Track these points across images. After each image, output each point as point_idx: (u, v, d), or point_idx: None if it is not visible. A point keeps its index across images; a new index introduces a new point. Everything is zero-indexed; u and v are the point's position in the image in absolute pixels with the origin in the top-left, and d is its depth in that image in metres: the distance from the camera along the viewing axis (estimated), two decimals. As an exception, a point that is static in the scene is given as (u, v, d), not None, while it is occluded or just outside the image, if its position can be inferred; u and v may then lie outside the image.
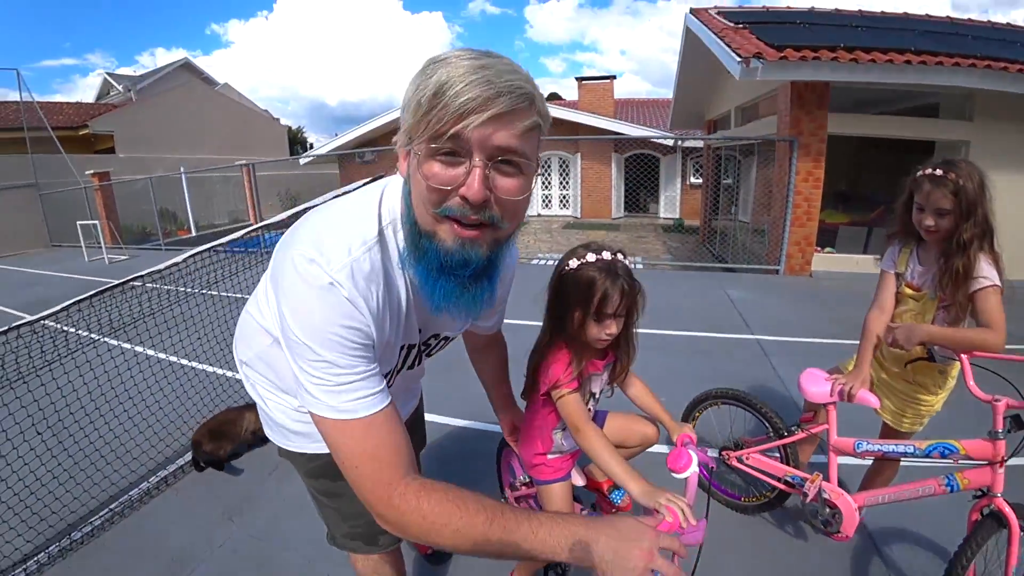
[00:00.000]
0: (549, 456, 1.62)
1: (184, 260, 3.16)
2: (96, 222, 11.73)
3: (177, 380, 3.65)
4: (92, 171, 13.55)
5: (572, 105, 16.38)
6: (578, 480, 1.71)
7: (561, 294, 1.41)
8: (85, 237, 11.35)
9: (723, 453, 2.28)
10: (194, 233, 14.83)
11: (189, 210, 15.20)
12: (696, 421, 2.37)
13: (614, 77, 15.67)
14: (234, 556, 2.32)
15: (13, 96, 15.15)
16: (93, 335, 3.91)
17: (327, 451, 0.97)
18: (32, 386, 2.84)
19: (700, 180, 13.27)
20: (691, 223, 13.36)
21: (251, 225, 3.48)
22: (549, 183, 15.75)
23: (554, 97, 32.03)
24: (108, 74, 23.44)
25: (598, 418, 1.73)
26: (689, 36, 9.06)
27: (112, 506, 2.71)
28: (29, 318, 2.61)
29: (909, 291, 1.87)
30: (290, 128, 34.11)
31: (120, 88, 21.75)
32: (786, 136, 6.99)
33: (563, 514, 0.86)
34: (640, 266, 7.44)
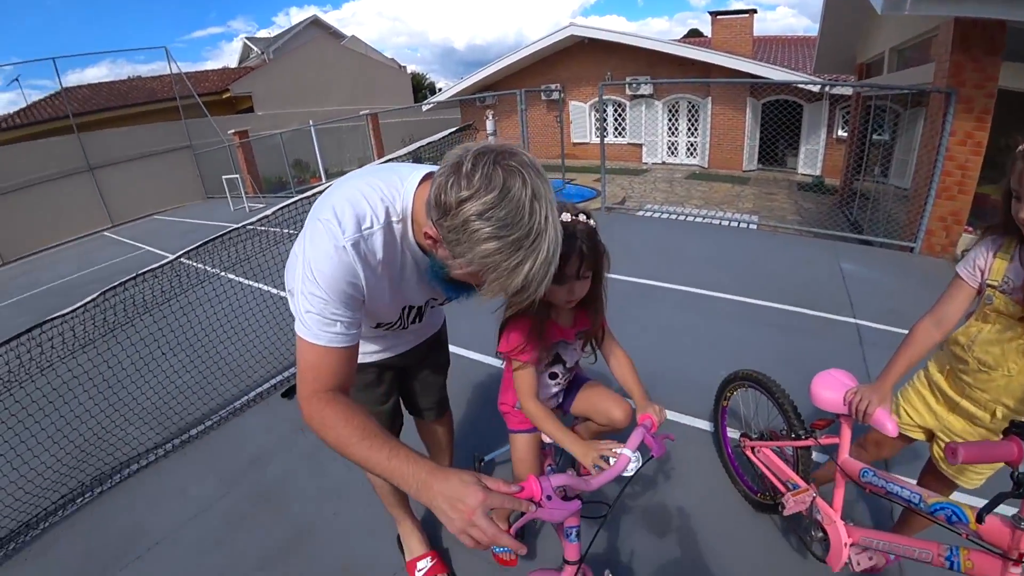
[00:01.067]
0: (516, 407, 1.71)
1: (274, 212, 3.77)
2: (238, 176, 13.43)
3: (278, 310, 4.29)
4: (233, 130, 15.37)
5: (704, 43, 15.00)
6: (545, 437, 1.76)
7: None
8: (230, 189, 13.09)
9: (742, 439, 2.15)
10: (324, 180, 16.26)
11: (319, 159, 16.65)
12: (728, 401, 2.30)
13: (754, 11, 13.73)
14: (299, 457, 2.89)
15: (164, 70, 17.41)
16: (217, 270, 4.56)
17: None
18: (167, 311, 3.76)
19: (848, 133, 11.59)
20: (833, 182, 11.65)
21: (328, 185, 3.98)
22: (676, 129, 14.34)
23: (695, 34, 29.71)
24: (247, 38, 25.94)
25: (574, 384, 1.79)
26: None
27: (221, 412, 3.44)
28: (170, 257, 3.47)
29: (1001, 304, 1.40)
30: (415, 75, 35.35)
31: (258, 50, 23.94)
32: (942, 87, 5.50)
33: (421, 457, 1.01)
34: (753, 227, 6.87)
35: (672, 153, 14.71)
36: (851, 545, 1.55)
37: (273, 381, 3.76)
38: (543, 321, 1.48)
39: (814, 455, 1.98)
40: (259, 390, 3.65)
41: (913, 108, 7.00)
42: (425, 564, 2.00)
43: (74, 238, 14.05)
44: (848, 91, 11.01)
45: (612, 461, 1.30)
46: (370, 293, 1.16)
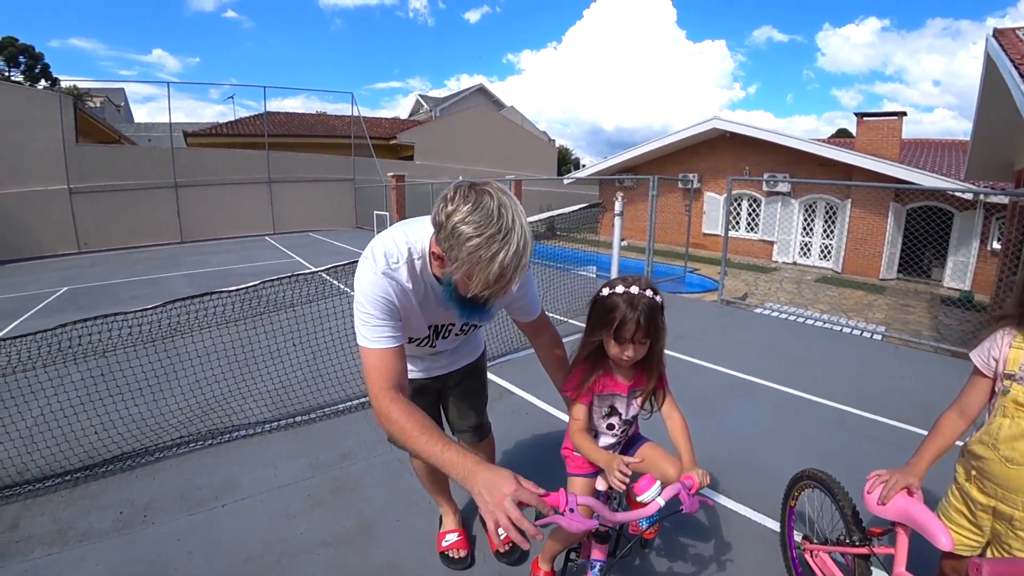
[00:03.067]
0: (576, 452, 1.84)
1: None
2: (388, 213, 14.84)
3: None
4: (392, 173, 17.07)
5: (848, 144, 14.56)
6: (600, 485, 1.84)
7: (592, 316, 1.66)
8: (378, 224, 14.49)
9: (803, 542, 2.06)
10: None
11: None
12: (795, 501, 2.20)
13: (903, 114, 13.27)
14: (380, 465, 3.16)
15: (346, 111, 19.95)
16: (348, 289, 5.15)
17: None
18: (300, 313, 4.29)
19: (1004, 246, 10.54)
20: (984, 298, 10.56)
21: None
22: (811, 229, 13.74)
23: (843, 134, 28.86)
24: (420, 95, 29.06)
25: (634, 443, 1.91)
26: (990, 65, 7.49)
27: (325, 410, 3.83)
28: (316, 269, 4.01)
29: (1020, 395, 1.37)
30: (561, 149, 37.19)
31: (427, 107, 26.65)
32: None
33: (468, 452, 1.25)
34: (877, 337, 6.34)
35: (805, 254, 14.09)
36: None
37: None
38: (602, 369, 1.70)
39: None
40: (362, 400, 3.99)
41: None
42: (452, 537, 2.36)
43: (242, 236, 16.19)
44: (1004, 199, 10.17)
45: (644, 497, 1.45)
46: (403, 311, 1.52)
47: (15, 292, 9.15)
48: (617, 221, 5.89)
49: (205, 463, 3.20)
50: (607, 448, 1.86)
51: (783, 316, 7.06)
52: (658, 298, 1.60)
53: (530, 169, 23.44)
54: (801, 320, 6.72)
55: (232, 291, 3.71)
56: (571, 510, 1.19)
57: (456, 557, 2.30)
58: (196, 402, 3.78)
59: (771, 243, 14.38)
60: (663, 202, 16.07)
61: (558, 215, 6.37)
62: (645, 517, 1.41)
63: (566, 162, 36.66)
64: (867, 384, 4.47)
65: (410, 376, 1.85)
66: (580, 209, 6.08)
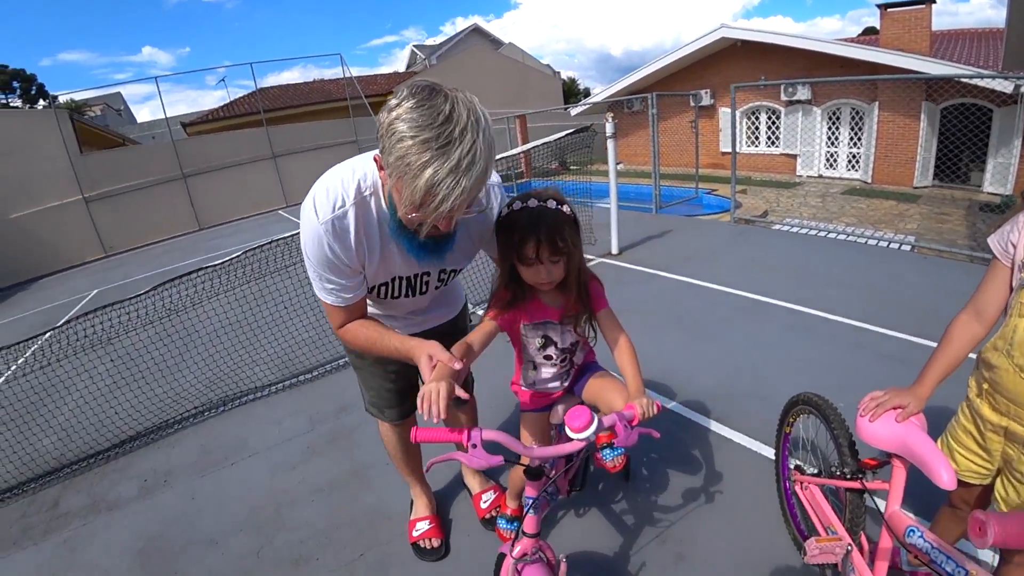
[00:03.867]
0: (523, 387, 1.82)
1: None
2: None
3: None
4: (394, 129, 16.98)
5: (872, 41, 13.41)
6: (554, 418, 1.82)
7: (498, 239, 1.50)
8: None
9: (794, 472, 1.89)
10: None
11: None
12: (791, 428, 2.01)
13: (932, 1, 12.06)
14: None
15: (341, 75, 19.67)
16: None
17: None
18: (302, 273, 4.37)
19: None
20: None
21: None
22: (836, 139, 12.72)
23: (871, 33, 26.95)
24: (415, 46, 28.35)
25: (585, 372, 1.82)
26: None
27: (328, 366, 4.04)
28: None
29: None
30: (568, 80, 36.01)
31: (423, 56, 26.04)
32: None
33: (410, 339, 1.39)
34: (906, 248, 5.90)
35: (831, 165, 13.28)
36: None
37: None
38: (528, 296, 1.57)
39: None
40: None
41: None
42: (424, 525, 2.20)
43: (255, 214, 16.49)
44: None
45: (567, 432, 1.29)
46: (351, 259, 1.36)
47: (48, 304, 9.67)
48: (610, 144, 5.73)
49: (218, 428, 3.47)
50: (551, 381, 1.78)
51: (803, 232, 6.79)
52: (565, 208, 1.45)
53: (535, 105, 22.73)
54: (823, 235, 6.37)
55: (220, 264, 3.88)
56: (474, 446, 1.18)
57: (429, 548, 2.14)
58: (208, 375, 4.03)
59: (794, 156, 13.65)
60: (674, 123, 15.48)
61: (542, 144, 6.24)
62: (569, 452, 1.29)
63: (574, 94, 35.52)
64: (892, 299, 4.07)
65: None
66: (567, 135, 5.92)
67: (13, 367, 4.73)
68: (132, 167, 15.47)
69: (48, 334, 3.86)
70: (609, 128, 5.65)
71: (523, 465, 1.44)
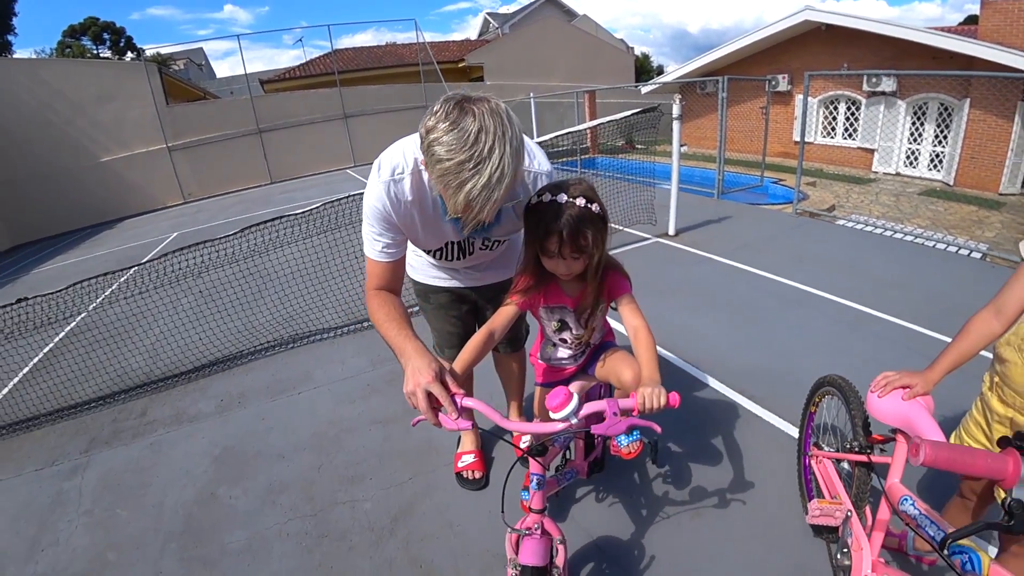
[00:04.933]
0: (539, 359, 1.89)
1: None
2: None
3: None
4: (462, 96, 17.14)
5: (969, 32, 12.37)
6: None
7: (525, 224, 1.52)
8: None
9: (812, 447, 1.96)
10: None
11: (534, 131, 17.73)
12: (816, 408, 2.06)
13: None
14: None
15: (413, 39, 19.91)
16: None
17: (421, 280, 1.99)
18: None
19: None
20: None
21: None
22: (919, 135, 11.73)
23: (973, 22, 24.98)
24: (488, 13, 28.25)
25: (602, 350, 1.86)
26: None
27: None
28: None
29: None
30: (640, 57, 35.20)
31: (495, 25, 25.97)
32: None
33: (417, 342, 1.38)
34: (977, 255, 5.46)
35: (911, 163, 12.48)
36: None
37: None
38: (549, 279, 1.60)
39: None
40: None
41: None
42: (468, 458, 2.44)
43: (324, 171, 17.14)
44: None
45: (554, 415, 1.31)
46: (404, 222, 1.52)
47: (134, 242, 10.47)
48: (675, 125, 5.70)
49: (287, 361, 3.82)
50: (565, 361, 1.83)
51: (868, 229, 6.53)
52: (594, 207, 1.43)
53: (605, 80, 22.41)
54: (888, 234, 6.13)
55: (300, 213, 4.21)
56: (460, 409, 1.28)
57: (470, 478, 2.37)
58: (281, 314, 4.42)
59: (871, 151, 12.95)
60: (748, 108, 14.98)
61: (607, 122, 6.27)
62: (546, 432, 1.32)
63: (646, 71, 34.67)
64: (948, 304, 3.89)
65: (445, 285, 2.00)
66: (632, 115, 5.94)
67: (105, 295, 5.24)
68: (212, 120, 16.34)
69: (135, 268, 4.28)
70: (676, 109, 5.63)
71: (509, 442, 1.56)
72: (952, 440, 1.46)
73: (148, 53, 20.10)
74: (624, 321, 1.56)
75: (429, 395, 1.27)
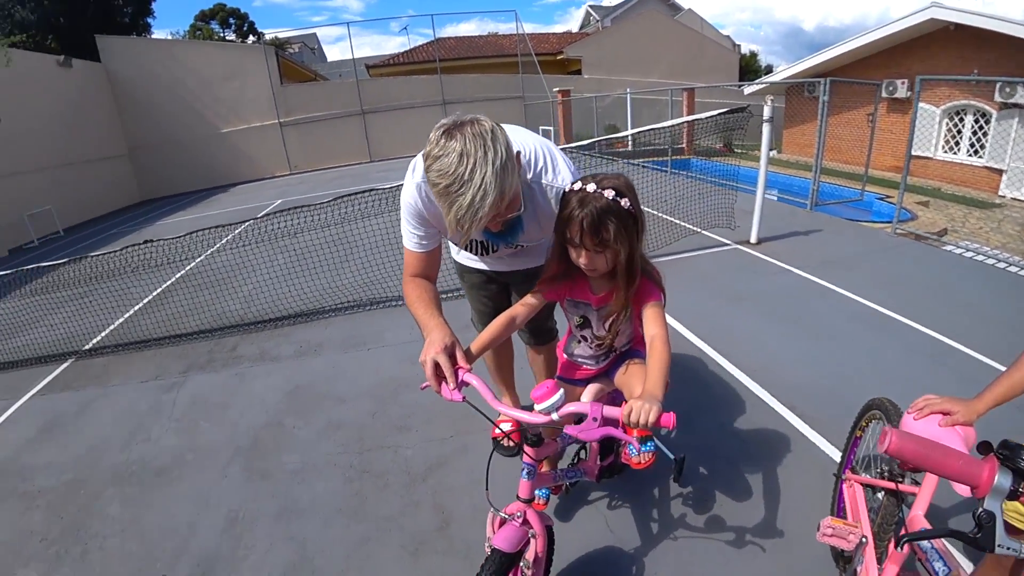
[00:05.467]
0: (563, 352, 1.86)
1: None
2: (551, 128, 15.22)
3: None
4: (558, 88, 17.16)
5: None
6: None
7: (558, 215, 1.48)
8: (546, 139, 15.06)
9: (846, 472, 1.84)
10: (629, 147, 16.91)
11: (629, 127, 17.46)
12: (862, 432, 1.93)
13: None
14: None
15: (515, 30, 20.23)
16: None
17: (457, 260, 2.13)
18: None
19: None
20: None
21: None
22: None
23: None
24: (591, 6, 28.01)
25: (625, 357, 1.77)
26: None
27: (459, 291, 4.52)
28: None
29: None
30: (747, 55, 33.74)
31: (597, 18, 25.76)
32: None
33: (440, 321, 1.47)
34: None
35: None
36: None
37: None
38: (573, 273, 1.55)
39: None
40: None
41: None
42: (506, 426, 2.40)
43: (419, 153, 17.89)
44: None
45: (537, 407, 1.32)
46: (435, 219, 1.60)
47: (243, 205, 11.46)
48: (765, 128, 5.51)
49: (362, 321, 4.17)
50: (587, 360, 1.78)
51: (979, 259, 5.67)
52: (624, 202, 1.38)
53: (707, 79, 21.72)
54: (1003, 266, 5.33)
55: (387, 188, 4.51)
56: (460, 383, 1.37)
57: (506, 444, 2.46)
58: (363, 279, 4.79)
59: (999, 172, 11.51)
60: (859, 115, 13.97)
61: (691, 120, 6.15)
62: (530, 421, 1.32)
63: (751, 70, 33.13)
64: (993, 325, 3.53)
65: (476, 266, 2.09)
66: (719, 115, 5.78)
67: (214, 248, 5.84)
68: (320, 100, 17.49)
69: (246, 224, 4.77)
70: (766, 111, 5.44)
71: (492, 422, 1.54)
72: None
73: (267, 37, 21.67)
74: (644, 328, 1.48)
75: (437, 365, 1.36)
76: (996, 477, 0.83)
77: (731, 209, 5.97)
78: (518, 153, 1.38)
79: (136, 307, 5.04)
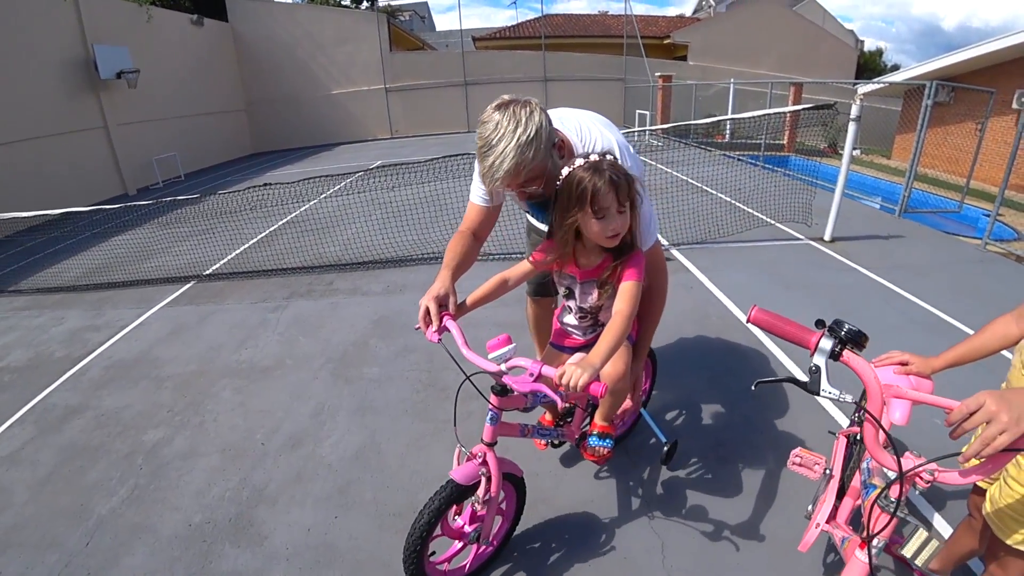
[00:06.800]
0: (557, 319, 1.95)
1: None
2: (649, 112, 15.09)
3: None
4: (660, 74, 16.89)
5: None
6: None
7: (560, 200, 1.50)
8: (639, 123, 14.98)
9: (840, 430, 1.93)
10: (726, 139, 16.39)
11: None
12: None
13: None
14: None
15: (622, 10, 19.90)
16: None
17: (529, 220, 2.39)
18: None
19: None
20: None
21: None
22: None
23: None
24: (707, -10, 26.86)
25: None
26: None
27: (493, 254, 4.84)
28: None
29: None
30: (871, 53, 31.44)
31: (711, 3, 24.84)
32: None
33: (445, 269, 1.66)
34: None
35: None
36: (816, 524, 1.47)
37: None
38: (566, 256, 1.61)
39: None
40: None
41: None
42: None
43: (516, 129, 18.33)
44: None
45: (494, 354, 1.44)
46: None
47: (349, 163, 12.32)
48: (851, 127, 5.36)
49: (395, 273, 4.67)
50: (573, 329, 1.87)
51: None
52: (620, 162, 1.52)
53: (821, 74, 20.52)
54: None
55: (427, 160, 4.96)
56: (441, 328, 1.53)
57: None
58: (450, 234, 5.12)
59: None
60: (991, 125, 12.85)
61: (775, 113, 6.02)
62: (485, 369, 1.47)
63: (871, 68, 30.77)
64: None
65: (539, 227, 2.27)
66: (806, 109, 5.66)
67: (323, 195, 6.45)
68: (426, 68, 18.17)
69: (357, 175, 5.31)
70: (854, 110, 5.30)
71: (463, 371, 1.54)
72: (1003, 387, 1.42)
73: (380, 4, 22.57)
74: (615, 301, 1.52)
75: (428, 310, 1.55)
76: (822, 341, 1.16)
77: (808, 206, 5.89)
78: (559, 142, 1.54)
79: (249, 243, 5.77)
